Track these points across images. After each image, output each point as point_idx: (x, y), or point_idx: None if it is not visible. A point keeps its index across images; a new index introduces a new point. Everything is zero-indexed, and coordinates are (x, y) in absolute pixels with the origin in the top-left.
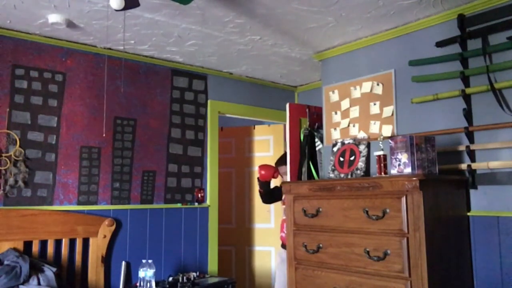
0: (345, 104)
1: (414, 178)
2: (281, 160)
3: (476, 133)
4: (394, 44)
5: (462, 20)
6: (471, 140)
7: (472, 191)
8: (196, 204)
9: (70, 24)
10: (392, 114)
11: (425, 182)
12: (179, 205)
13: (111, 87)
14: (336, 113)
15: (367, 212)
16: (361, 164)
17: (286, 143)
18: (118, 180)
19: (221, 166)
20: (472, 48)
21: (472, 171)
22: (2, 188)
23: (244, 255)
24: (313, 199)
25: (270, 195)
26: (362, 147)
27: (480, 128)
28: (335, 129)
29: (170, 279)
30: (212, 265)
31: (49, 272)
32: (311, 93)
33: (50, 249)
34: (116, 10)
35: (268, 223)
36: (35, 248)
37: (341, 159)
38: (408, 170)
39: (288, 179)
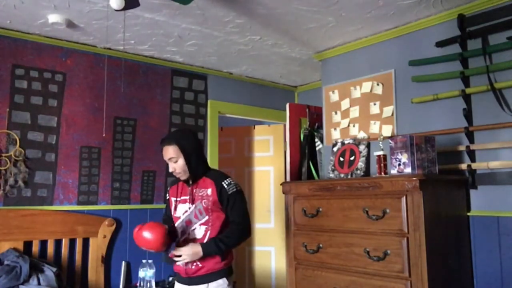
0: (345, 104)
1: (414, 178)
2: (167, 138)
3: (476, 133)
4: (394, 44)
5: (462, 20)
6: (471, 140)
7: (472, 191)
8: None
9: (70, 24)
10: (392, 114)
11: (425, 182)
12: None
13: (111, 87)
14: (336, 113)
15: (367, 212)
16: (361, 164)
17: (286, 143)
18: (118, 180)
19: (221, 166)
20: (472, 48)
21: (472, 171)
22: (2, 188)
23: (244, 255)
24: (313, 199)
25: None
26: (362, 147)
27: (480, 128)
28: (335, 129)
29: (170, 279)
30: None
31: (49, 272)
32: (311, 93)
33: (50, 249)
34: (116, 10)
35: (268, 223)
36: (35, 248)
37: (341, 159)
38: (408, 170)
39: (178, 168)
